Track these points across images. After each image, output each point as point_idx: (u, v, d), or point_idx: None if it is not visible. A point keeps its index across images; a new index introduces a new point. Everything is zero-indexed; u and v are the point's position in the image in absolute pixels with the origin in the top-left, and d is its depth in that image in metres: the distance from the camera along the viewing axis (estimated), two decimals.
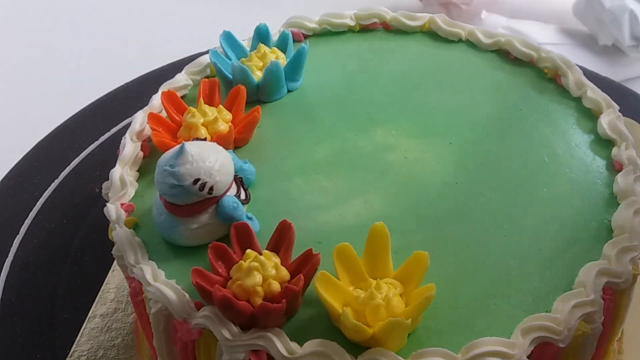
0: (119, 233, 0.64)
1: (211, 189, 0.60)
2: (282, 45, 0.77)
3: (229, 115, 0.70)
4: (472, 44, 0.79)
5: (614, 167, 0.67)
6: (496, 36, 0.78)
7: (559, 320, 0.55)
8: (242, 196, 0.63)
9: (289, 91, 0.75)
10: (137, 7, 1.37)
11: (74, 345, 0.75)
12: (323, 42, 0.81)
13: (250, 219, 0.63)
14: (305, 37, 0.82)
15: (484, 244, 0.61)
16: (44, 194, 0.90)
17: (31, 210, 0.88)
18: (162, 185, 0.61)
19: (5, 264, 0.82)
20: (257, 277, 0.57)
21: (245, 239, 0.60)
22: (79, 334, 0.76)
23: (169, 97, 0.72)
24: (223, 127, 0.69)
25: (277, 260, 0.58)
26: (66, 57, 1.27)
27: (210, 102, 0.71)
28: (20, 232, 0.86)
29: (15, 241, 0.85)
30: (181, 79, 0.76)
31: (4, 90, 1.20)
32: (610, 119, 0.69)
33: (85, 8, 1.38)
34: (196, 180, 0.60)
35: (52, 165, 0.94)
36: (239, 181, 0.64)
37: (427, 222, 0.63)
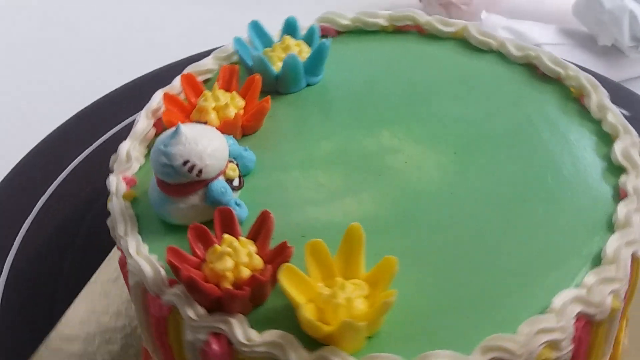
0: (114, 204, 0.66)
1: (200, 171, 0.61)
2: (309, 39, 0.77)
3: (241, 102, 0.71)
4: (502, 55, 0.78)
5: (620, 196, 0.65)
6: (527, 49, 0.76)
7: (520, 343, 0.54)
8: (235, 182, 0.64)
9: (308, 85, 0.75)
10: (137, 8, 1.36)
11: None
12: (354, 40, 0.81)
13: (238, 205, 0.63)
14: (338, 33, 0.82)
15: (467, 256, 0.61)
16: (43, 194, 0.90)
17: (31, 211, 0.89)
18: (154, 162, 0.62)
19: (5, 264, 0.83)
20: (229, 262, 0.57)
21: (228, 224, 0.61)
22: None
23: (187, 79, 0.73)
24: (233, 113, 0.70)
25: (253, 248, 0.59)
26: (66, 57, 1.26)
27: (227, 88, 0.72)
28: (20, 232, 0.86)
29: (15, 241, 0.86)
30: (207, 62, 0.78)
31: (4, 90, 1.20)
32: (625, 145, 0.67)
33: (85, 9, 1.37)
34: (186, 162, 0.61)
35: (51, 166, 0.94)
36: (237, 167, 0.65)
37: (415, 228, 0.63)
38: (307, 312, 0.54)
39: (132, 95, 1.00)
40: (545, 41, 1.10)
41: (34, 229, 0.87)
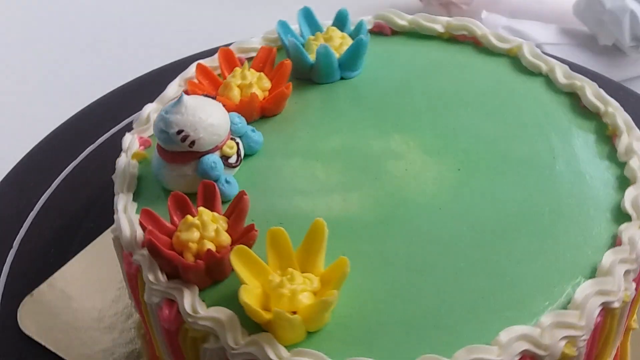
0: (121, 160, 0.69)
1: (192, 142, 0.63)
2: (355, 34, 0.77)
3: (267, 84, 0.72)
4: (550, 80, 0.75)
5: (615, 244, 0.62)
6: (573, 78, 0.74)
7: None
8: (232, 160, 0.66)
9: (343, 78, 0.76)
10: (138, 8, 1.35)
11: None
12: (408, 42, 0.81)
13: (228, 182, 0.65)
14: (393, 32, 0.82)
15: (433, 274, 0.59)
16: (43, 195, 0.90)
17: (31, 211, 0.88)
18: (155, 126, 0.65)
19: (5, 264, 0.83)
20: (194, 234, 0.59)
21: (209, 198, 0.63)
22: None
23: (225, 54, 0.75)
24: (256, 93, 0.71)
25: (224, 225, 0.60)
26: (66, 57, 1.26)
27: (259, 69, 0.74)
28: (20, 232, 0.86)
29: (15, 241, 0.85)
30: (254, 41, 0.79)
31: (4, 90, 1.19)
32: (636, 194, 0.64)
33: (85, 9, 1.36)
34: (180, 131, 0.63)
35: (51, 166, 0.93)
36: (237, 145, 0.67)
37: (390, 236, 0.62)
38: (246, 295, 0.55)
39: (132, 95, 0.99)
40: (545, 41, 1.08)
41: (33, 229, 0.86)
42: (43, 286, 0.78)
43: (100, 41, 1.28)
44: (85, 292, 0.78)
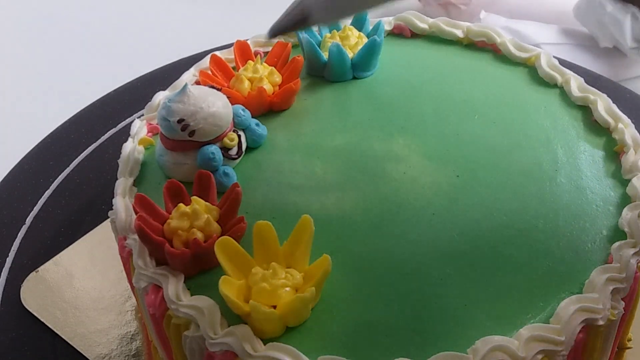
0: (127, 145, 0.70)
1: (192, 132, 0.64)
2: (373, 34, 0.77)
3: (278, 79, 0.73)
4: (564, 93, 0.74)
5: (606, 262, 0.61)
6: (587, 92, 0.73)
7: None
8: (232, 152, 0.67)
9: (356, 78, 0.76)
10: (138, 8, 1.35)
11: None
12: (426, 45, 0.80)
13: (227, 174, 0.66)
14: (413, 35, 0.81)
15: (415, 280, 0.59)
16: (43, 195, 0.89)
17: (31, 211, 0.88)
18: (158, 114, 0.66)
19: (5, 265, 0.83)
20: (184, 223, 0.60)
21: (204, 188, 0.63)
22: None
23: (240, 46, 0.76)
24: (265, 87, 0.72)
25: (216, 215, 0.61)
26: (66, 57, 1.26)
27: (274, 63, 0.74)
28: (20, 233, 0.86)
29: (15, 242, 0.85)
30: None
31: (4, 90, 1.19)
32: (635, 213, 0.63)
33: (85, 9, 1.36)
34: (180, 120, 0.64)
35: (51, 166, 0.93)
36: (239, 138, 0.67)
37: (381, 238, 0.62)
38: (226, 286, 0.56)
39: (132, 95, 1.00)
40: (545, 41, 1.07)
41: (33, 229, 0.86)
42: (48, 264, 0.80)
43: (100, 41, 1.28)
44: (89, 272, 0.79)
